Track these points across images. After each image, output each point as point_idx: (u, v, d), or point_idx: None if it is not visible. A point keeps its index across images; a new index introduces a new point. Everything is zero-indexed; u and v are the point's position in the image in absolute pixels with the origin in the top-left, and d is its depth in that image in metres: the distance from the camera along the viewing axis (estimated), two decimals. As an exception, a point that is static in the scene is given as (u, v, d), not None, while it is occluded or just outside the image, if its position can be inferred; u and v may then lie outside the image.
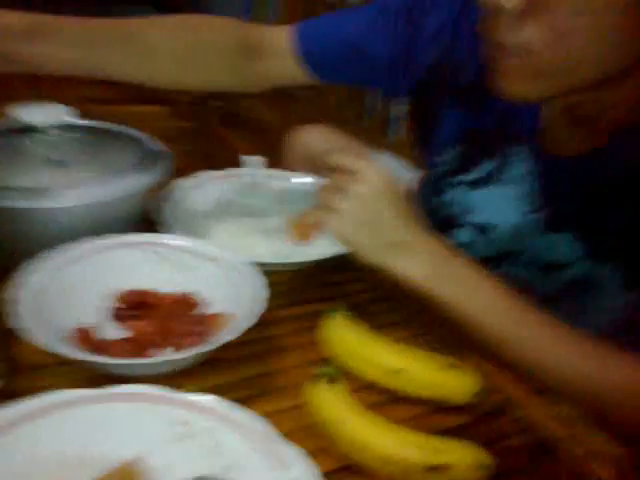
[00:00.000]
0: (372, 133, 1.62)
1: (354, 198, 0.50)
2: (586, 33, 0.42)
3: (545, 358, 0.50)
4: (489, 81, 0.50)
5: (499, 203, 0.62)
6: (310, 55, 0.67)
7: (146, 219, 0.64)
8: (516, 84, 0.47)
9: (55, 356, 0.47)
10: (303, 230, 0.69)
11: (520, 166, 0.60)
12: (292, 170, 0.81)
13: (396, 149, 1.39)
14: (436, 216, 0.69)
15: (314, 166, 0.81)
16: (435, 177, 0.68)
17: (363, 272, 0.65)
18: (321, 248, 0.62)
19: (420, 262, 0.51)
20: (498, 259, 0.64)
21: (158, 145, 0.69)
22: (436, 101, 0.65)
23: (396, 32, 0.64)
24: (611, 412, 0.49)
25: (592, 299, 0.59)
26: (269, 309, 0.50)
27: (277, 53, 0.68)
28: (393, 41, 0.64)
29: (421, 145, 0.71)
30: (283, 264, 0.61)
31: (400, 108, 1.68)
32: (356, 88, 1.80)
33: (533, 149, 0.59)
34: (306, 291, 0.62)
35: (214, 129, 1.14)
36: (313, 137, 0.85)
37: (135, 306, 0.53)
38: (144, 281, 0.55)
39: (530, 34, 0.44)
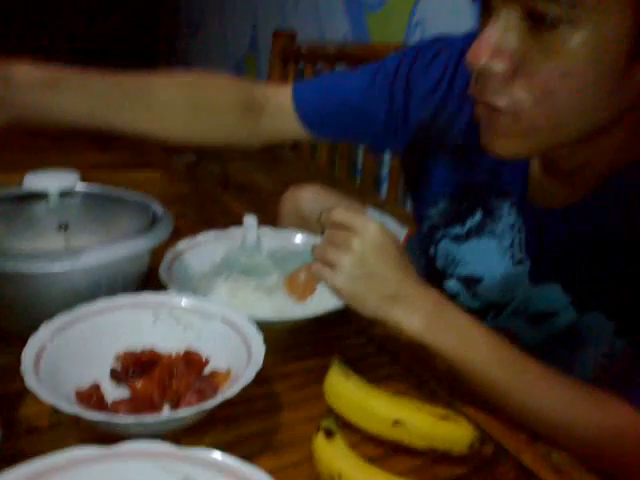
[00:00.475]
0: (363, 192, 1.67)
1: (352, 252, 0.51)
2: (572, 92, 0.44)
3: (544, 405, 0.51)
4: (479, 139, 0.52)
5: (485, 255, 0.65)
6: (308, 113, 0.71)
7: (148, 280, 0.67)
8: (506, 142, 0.49)
9: (54, 417, 0.48)
10: (299, 288, 0.71)
11: (505, 219, 0.62)
12: (288, 229, 0.84)
13: (386, 207, 1.43)
14: (425, 269, 0.71)
15: (309, 225, 0.84)
16: (424, 230, 0.71)
17: (362, 326, 0.67)
18: (320, 303, 0.64)
19: (417, 314, 0.52)
20: (484, 311, 0.66)
21: (158, 208, 0.71)
22: (427, 156, 0.68)
23: (393, 92, 0.67)
24: (609, 460, 0.50)
25: (580, 348, 0.61)
26: (269, 365, 0.51)
27: (279, 111, 0.72)
28: (390, 100, 0.67)
29: (412, 199, 0.74)
30: (282, 320, 0.63)
31: (388, 167, 1.74)
32: (347, 146, 1.86)
33: (518, 202, 0.61)
34: (305, 346, 0.64)
35: (210, 192, 1.17)
36: (307, 197, 0.89)
37: (135, 365, 0.54)
38: (145, 340, 0.56)
39: (518, 95, 0.46)
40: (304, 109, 0.71)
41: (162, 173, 1.24)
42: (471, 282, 0.67)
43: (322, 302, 0.68)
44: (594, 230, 0.56)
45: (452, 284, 0.69)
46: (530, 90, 0.45)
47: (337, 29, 2.04)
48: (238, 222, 0.81)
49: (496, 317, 0.66)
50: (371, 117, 0.69)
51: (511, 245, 0.62)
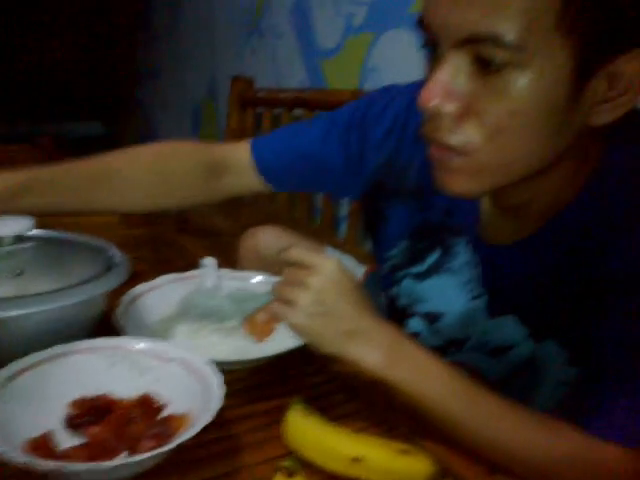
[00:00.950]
0: (322, 232, 1.69)
1: (310, 290, 0.52)
2: (520, 131, 0.46)
3: (501, 436, 0.52)
4: (433, 179, 0.53)
5: (444, 292, 0.66)
6: (268, 168, 0.74)
7: (105, 324, 0.66)
8: (459, 181, 0.50)
9: (7, 469, 0.46)
10: (258, 328, 0.71)
11: (462, 256, 0.64)
12: (247, 271, 0.85)
13: (346, 247, 1.45)
14: (387, 309, 0.73)
15: (268, 266, 0.84)
16: (386, 271, 0.72)
17: (322, 364, 0.67)
18: (279, 342, 0.64)
19: (374, 349, 0.52)
20: (446, 347, 0.68)
21: (115, 252, 0.71)
22: (385, 199, 0.70)
23: (349, 141, 0.69)
24: None
25: (539, 377, 0.62)
26: (230, 407, 0.51)
27: (239, 168, 0.74)
28: (346, 149, 0.70)
29: (373, 242, 0.76)
30: (242, 361, 0.63)
31: (346, 208, 1.76)
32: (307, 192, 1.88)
33: (472, 239, 0.63)
34: (266, 386, 0.64)
35: (168, 235, 1.17)
36: (266, 238, 0.90)
37: (90, 412, 0.53)
38: (101, 385, 0.55)
39: (469, 134, 0.47)
40: (264, 164, 0.74)
41: (119, 217, 1.24)
42: (433, 318, 0.68)
43: (281, 342, 0.68)
44: (543, 264, 0.58)
45: (414, 322, 0.70)
46: (480, 129, 0.47)
47: (294, 75, 2.09)
48: (197, 265, 0.81)
49: (456, 353, 0.67)
50: (329, 165, 0.71)
51: (469, 281, 0.64)
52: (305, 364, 0.68)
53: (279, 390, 0.63)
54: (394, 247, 0.70)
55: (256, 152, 0.74)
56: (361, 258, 1.04)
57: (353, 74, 1.81)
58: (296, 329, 0.54)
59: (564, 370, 0.60)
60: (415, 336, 0.69)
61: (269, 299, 0.74)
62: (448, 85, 0.46)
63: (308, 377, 0.66)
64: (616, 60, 0.44)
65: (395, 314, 0.71)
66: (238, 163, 0.74)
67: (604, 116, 0.47)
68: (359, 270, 0.94)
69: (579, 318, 0.56)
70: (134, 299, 0.71)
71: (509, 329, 0.62)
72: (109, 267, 0.66)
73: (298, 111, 1.91)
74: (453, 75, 0.46)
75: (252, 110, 2.19)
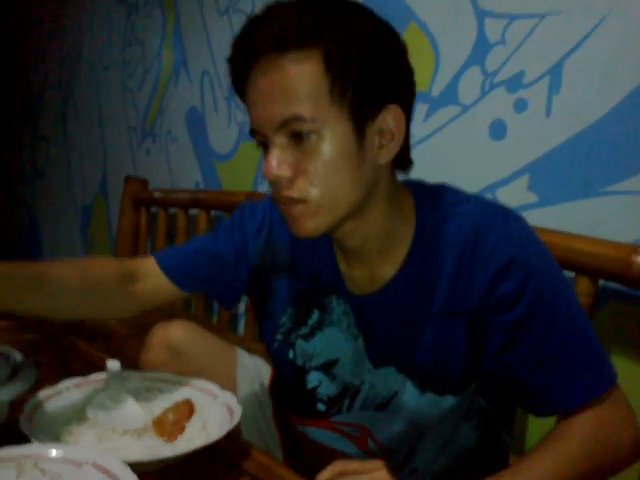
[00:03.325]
0: (220, 331, 1.70)
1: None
2: (335, 175, 0.64)
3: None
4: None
5: (332, 341, 0.77)
6: (175, 272, 0.83)
7: (10, 433, 0.64)
8: (305, 224, 0.66)
9: None
10: (169, 428, 0.73)
11: (337, 308, 0.76)
12: (155, 366, 0.86)
13: (245, 344, 1.47)
14: (289, 371, 0.80)
15: (179, 357, 0.87)
16: (281, 338, 0.81)
17: (233, 460, 0.69)
18: (190, 441, 0.65)
19: None
20: (342, 395, 0.76)
21: (18, 357, 0.70)
22: (269, 275, 0.82)
23: (233, 236, 0.85)
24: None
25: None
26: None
27: (148, 274, 0.83)
28: (234, 242, 0.84)
29: (261, 318, 0.85)
30: (154, 461, 0.63)
31: (243, 305, 1.80)
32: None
33: (343, 295, 0.75)
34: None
35: (64, 339, 1.14)
36: (177, 329, 0.92)
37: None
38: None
39: (302, 187, 0.64)
40: (171, 269, 0.83)
41: (9, 323, 1.19)
42: (328, 366, 0.77)
43: (192, 440, 0.69)
44: (398, 309, 0.71)
45: (313, 376, 0.78)
46: (309, 181, 0.64)
47: (189, 177, 2.16)
48: (97, 368, 0.81)
49: (350, 408, 0.76)
50: (223, 257, 0.84)
51: (348, 326, 0.75)
52: (217, 461, 0.69)
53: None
54: (284, 314, 0.81)
55: (161, 260, 0.84)
56: (261, 353, 1.06)
57: (247, 177, 1.91)
58: None
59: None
60: (315, 388, 0.78)
61: (178, 398, 0.76)
62: (279, 158, 0.64)
63: (221, 474, 0.67)
64: (377, 118, 0.64)
65: (297, 373, 0.79)
66: (147, 268, 0.83)
67: (385, 157, 0.66)
68: (267, 369, 0.98)
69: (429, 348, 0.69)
70: (37, 405, 0.70)
71: (391, 379, 0.73)
72: (14, 372, 0.65)
73: (194, 211, 1.96)
74: (280, 151, 0.64)
75: (146, 210, 2.21)
